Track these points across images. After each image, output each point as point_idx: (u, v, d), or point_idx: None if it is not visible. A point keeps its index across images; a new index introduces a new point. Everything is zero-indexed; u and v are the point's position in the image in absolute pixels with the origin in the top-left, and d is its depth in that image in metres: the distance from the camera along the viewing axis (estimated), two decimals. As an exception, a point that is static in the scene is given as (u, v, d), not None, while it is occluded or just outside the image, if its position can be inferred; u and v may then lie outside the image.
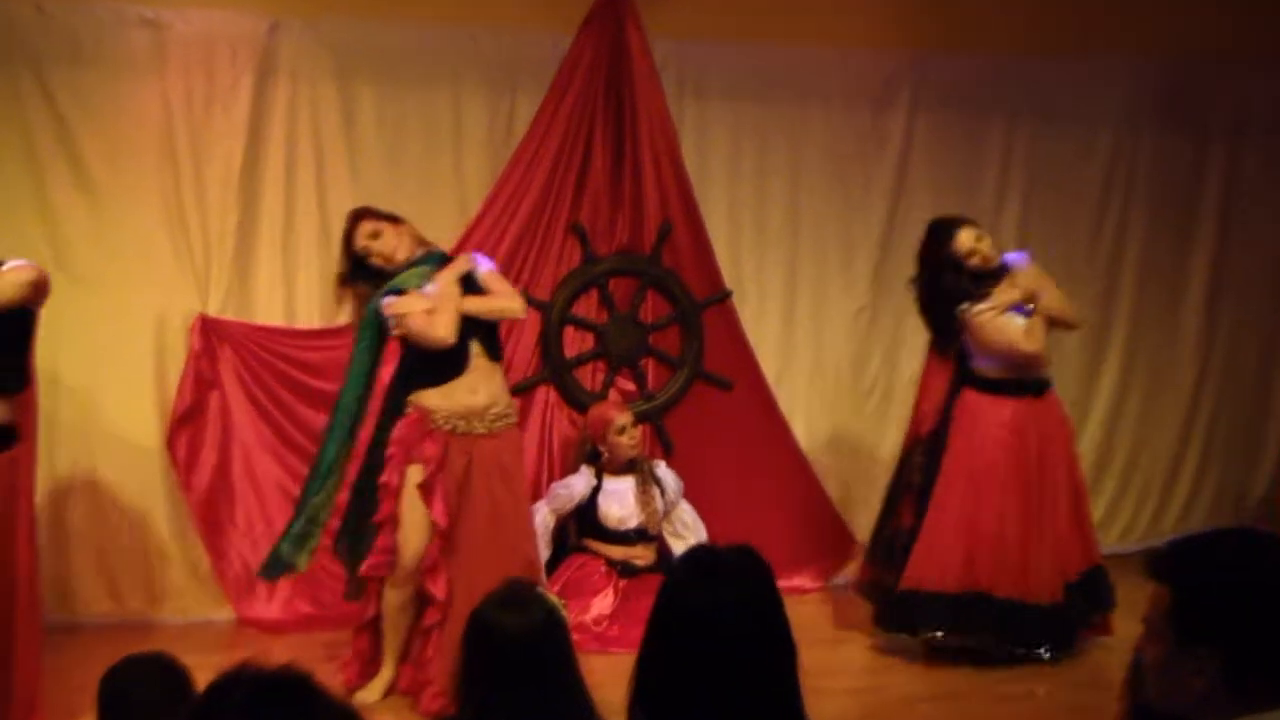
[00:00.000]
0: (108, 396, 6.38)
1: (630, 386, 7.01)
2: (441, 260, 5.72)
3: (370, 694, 5.54)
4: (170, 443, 6.38)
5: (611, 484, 6.62)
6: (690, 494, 6.80)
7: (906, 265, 7.38)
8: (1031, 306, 6.11)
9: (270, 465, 6.59)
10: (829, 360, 7.50)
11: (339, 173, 6.65)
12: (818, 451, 7.40)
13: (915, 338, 7.42)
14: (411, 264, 5.67)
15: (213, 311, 6.45)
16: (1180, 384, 8.11)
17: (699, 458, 6.99)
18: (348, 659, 5.73)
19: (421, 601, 5.54)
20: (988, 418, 6.12)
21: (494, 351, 5.69)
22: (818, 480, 7.33)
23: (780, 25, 7.11)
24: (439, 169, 6.78)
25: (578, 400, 6.91)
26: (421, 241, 5.81)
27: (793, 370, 7.43)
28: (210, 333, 6.42)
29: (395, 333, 5.50)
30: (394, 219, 5.82)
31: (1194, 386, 8.11)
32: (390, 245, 5.69)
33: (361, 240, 5.72)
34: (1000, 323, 6.05)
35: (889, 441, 7.49)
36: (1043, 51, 7.49)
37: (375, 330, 5.62)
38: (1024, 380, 6.17)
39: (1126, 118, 7.77)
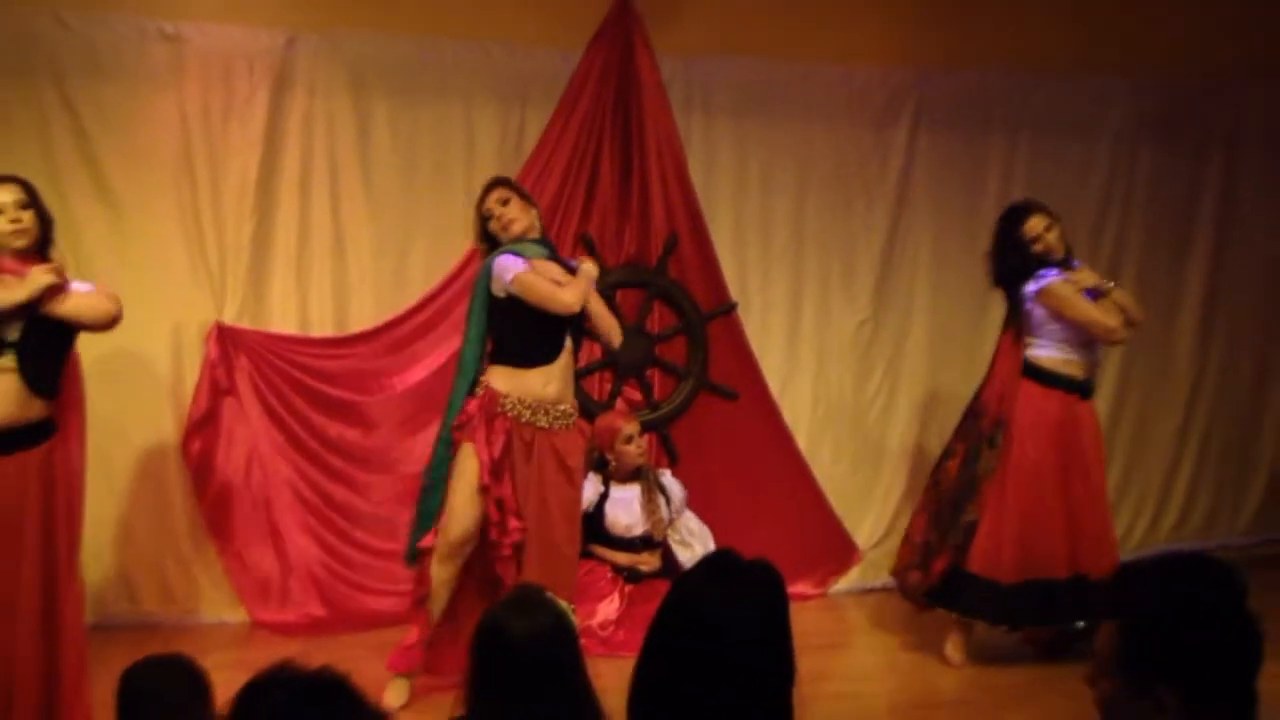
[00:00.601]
0: (126, 402, 6.37)
1: (637, 396, 7.02)
2: (552, 250, 5.69)
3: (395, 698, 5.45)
4: (185, 447, 6.40)
5: (618, 492, 6.63)
6: (695, 502, 6.81)
7: (909, 279, 7.45)
8: (1105, 290, 6.12)
9: (284, 469, 6.59)
10: (832, 372, 7.49)
11: (353, 184, 6.66)
12: (820, 461, 7.40)
13: (916, 350, 7.51)
14: (526, 239, 5.57)
15: (228, 320, 6.46)
16: (1175, 397, 8.10)
17: (704, 467, 7.01)
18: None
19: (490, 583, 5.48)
20: (1042, 410, 6.13)
21: (577, 353, 5.70)
22: (820, 489, 7.33)
23: (785, 42, 7.12)
24: (451, 181, 6.78)
25: (585, 409, 6.90)
26: (541, 230, 5.73)
27: (796, 381, 7.42)
28: (226, 340, 6.44)
29: (512, 288, 5.39)
30: (527, 197, 5.74)
31: (1188, 399, 8.10)
32: (512, 214, 5.57)
33: (490, 203, 5.64)
34: (1081, 299, 6.06)
35: (890, 452, 7.52)
36: (1042, 70, 7.49)
37: (486, 288, 5.54)
38: (1074, 379, 6.18)
39: (1124, 134, 7.77)
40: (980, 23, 7.31)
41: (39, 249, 4.89)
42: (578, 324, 5.57)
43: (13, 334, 4.70)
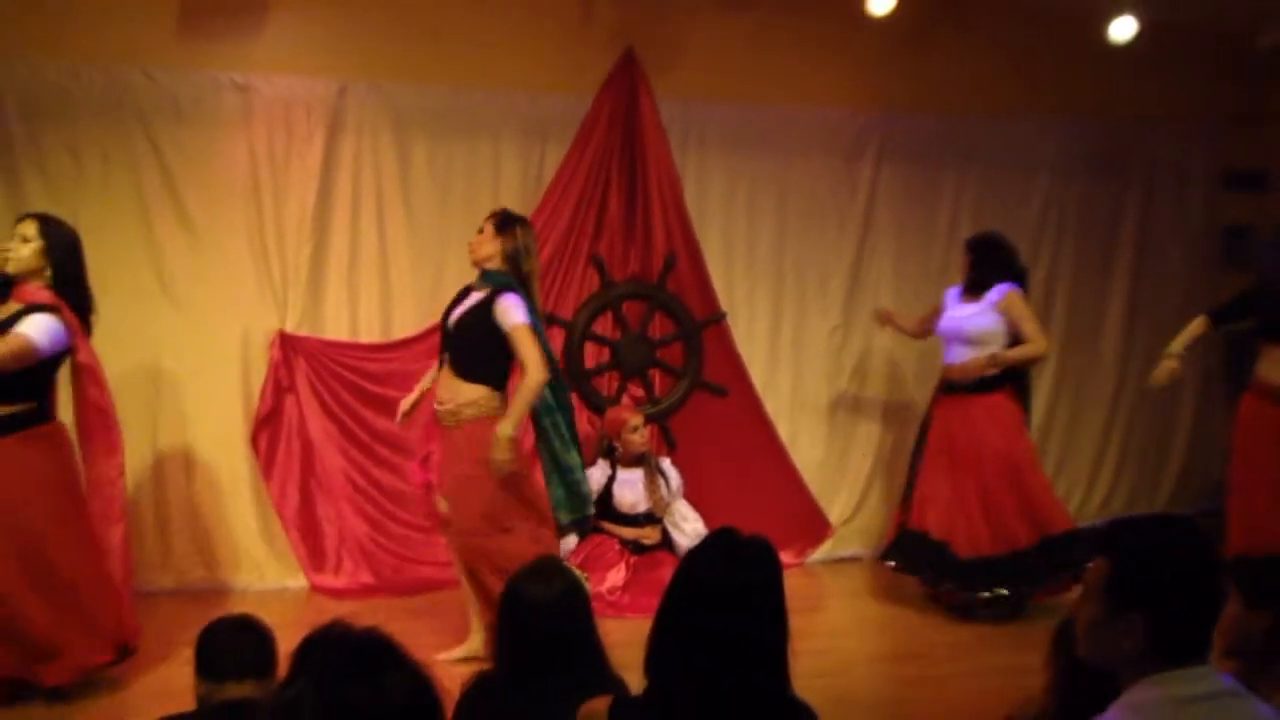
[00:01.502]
0: (202, 399, 6.41)
1: (640, 393, 7.02)
2: (500, 285, 5.24)
3: (453, 653, 5.32)
4: (254, 440, 6.42)
5: (624, 474, 6.66)
6: (689, 484, 6.82)
7: (874, 291, 7.47)
8: None
9: (337, 458, 6.61)
10: (808, 371, 7.50)
11: (396, 212, 6.67)
12: (798, 448, 7.41)
13: (880, 353, 7.53)
14: (487, 268, 5.33)
15: (290, 328, 6.48)
16: (1101, 397, 8.12)
17: (698, 453, 7.02)
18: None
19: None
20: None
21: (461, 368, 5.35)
22: (798, 472, 7.34)
23: (768, 89, 7.14)
24: (480, 209, 6.66)
25: (596, 404, 6.94)
26: (510, 260, 5.32)
27: (777, 380, 7.44)
28: (288, 346, 6.46)
29: (510, 331, 5.18)
30: (505, 229, 5.35)
31: (1113, 399, 8.11)
32: (475, 242, 5.38)
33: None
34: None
35: (858, 441, 7.55)
36: (988, 113, 7.51)
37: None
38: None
39: (1058, 169, 7.78)
40: (935, 72, 7.32)
41: (51, 283, 4.94)
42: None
43: None
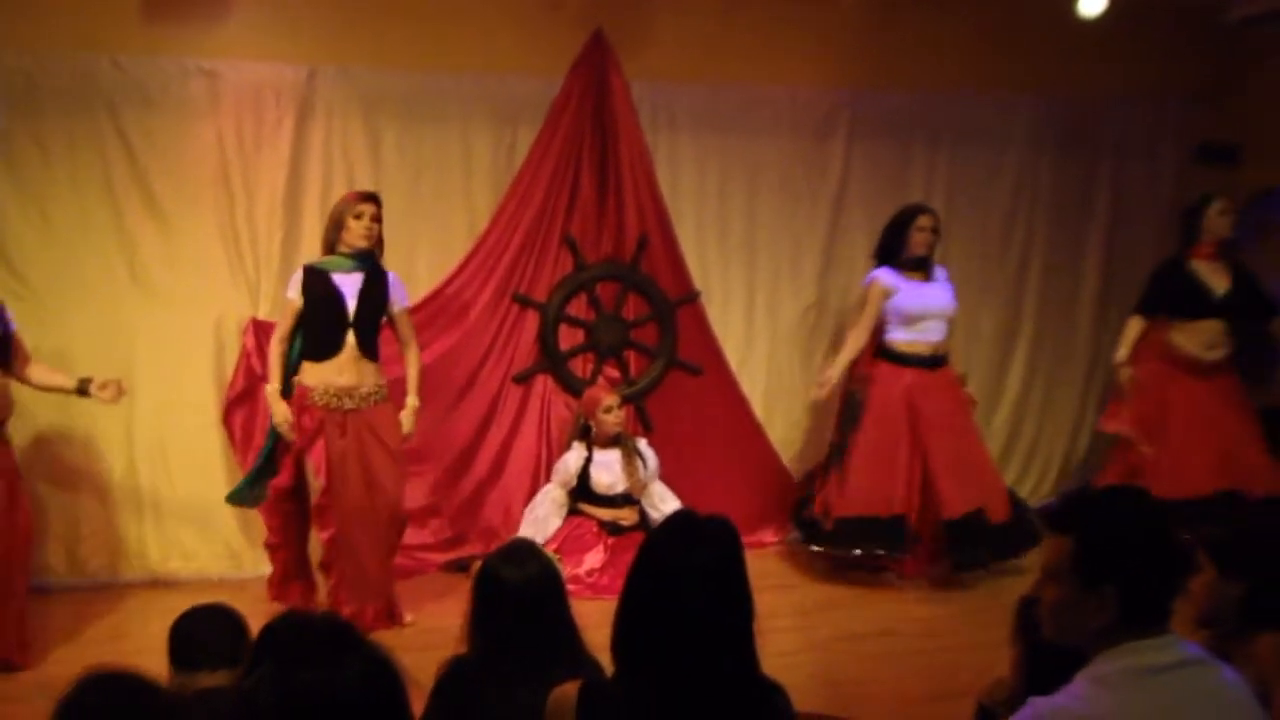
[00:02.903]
0: (176, 387, 6.39)
1: (615, 374, 7.04)
2: (364, 262, 5.66)
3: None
4: (226, 422, 6.39)
5: (600, 456, 6.66)
6: (666, 464, 6.82)
7: (847, 270, 7.47)
8: None
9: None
10: (782, 349, 7.51)
11: (367, 197, 6.67)
12: (774, 427, 7.44)
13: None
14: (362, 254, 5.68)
15: (262, 315, 6.43)
16: (1076, 369, 8.13)
17: (675, 433, 7.04)
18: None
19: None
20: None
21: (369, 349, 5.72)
22: (774, 450, 7.38)
23: (738, 68, 7.13)
24: (452, 193, 6.79)
25: (571, 386, 6.95)
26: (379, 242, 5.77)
27: (752, 358, 7.45)
28: (260, 333, 6.38)
29: (400, 311, 5.89)
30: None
31: (1087, 371, 8.12)
32: (376, 228, 5.74)
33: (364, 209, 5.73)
34: None
35: (833, 418, 7.56)
36: (958, 90, 7.51)
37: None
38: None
39: (1029, 144, 7.79)
40: (906, 49, 7.32)
41: None
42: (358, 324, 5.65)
43: None
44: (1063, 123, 7.81)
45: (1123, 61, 7.55)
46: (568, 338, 7.01)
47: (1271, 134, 7.61)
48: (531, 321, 6.89)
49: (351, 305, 5.60)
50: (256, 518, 6.40)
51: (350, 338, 5.61)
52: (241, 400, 6.39)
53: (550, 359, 6.92)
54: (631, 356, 7.11)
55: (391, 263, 6.13)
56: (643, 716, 2.44)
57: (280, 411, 5.61)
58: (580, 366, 7.05)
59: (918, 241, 6.61)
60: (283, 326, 5.75)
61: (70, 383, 5.36)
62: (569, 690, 2.52)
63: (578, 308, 7.00)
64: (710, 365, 7.19)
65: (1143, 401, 6.76)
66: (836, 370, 6.65)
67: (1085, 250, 8.06)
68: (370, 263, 5.68)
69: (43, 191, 6.07)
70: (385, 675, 1.92)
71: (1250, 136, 7.83)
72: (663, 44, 6.97)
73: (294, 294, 5.69)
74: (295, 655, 1.88)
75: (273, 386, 5.66)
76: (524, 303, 6.86)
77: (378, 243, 5.72)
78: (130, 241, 6.28)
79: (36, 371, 5.42)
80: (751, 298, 7.44)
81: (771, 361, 7.50)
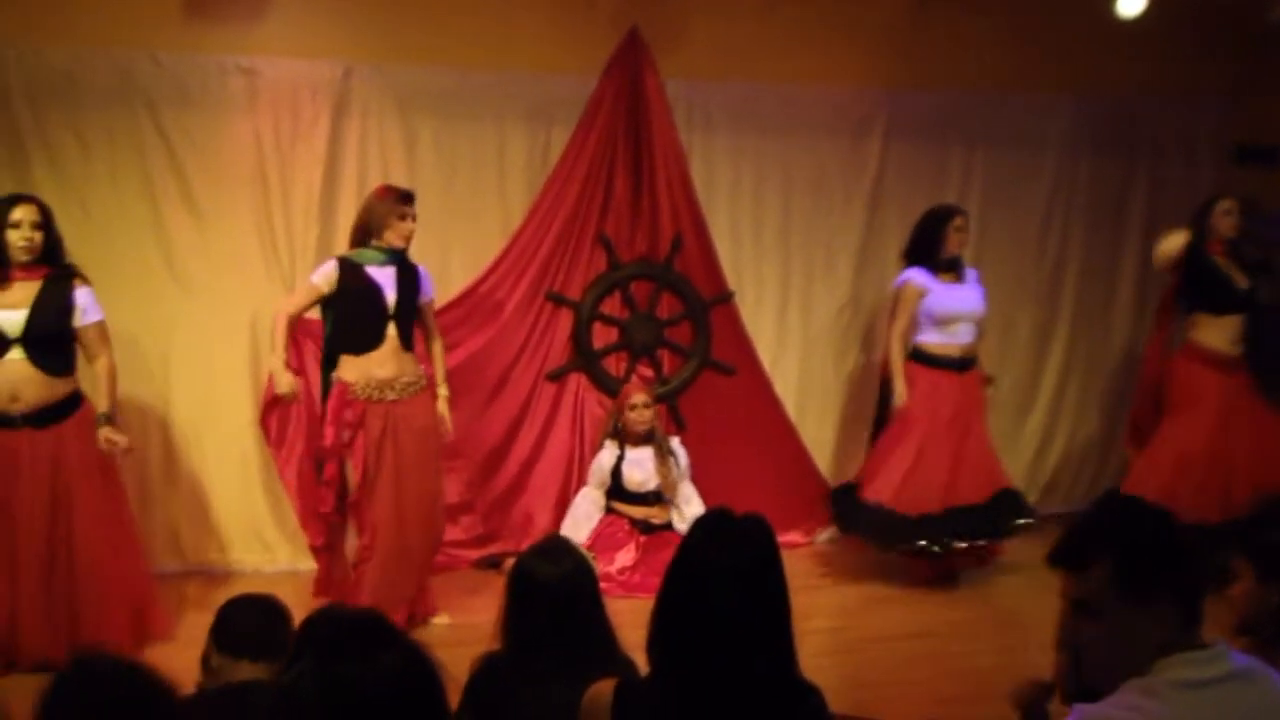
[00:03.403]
0: (212, 381, 6.43)
1: (649, 373, 7.04)
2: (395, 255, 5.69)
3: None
4: (263, 421, 6.39)
5: (632, 454, 6.66)
6: (698, 463, 6.82)
7: (881, 270, 7.45)
8: None
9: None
10: (816, 350, 7.50)
11: (402, 194, 6.69)
12: (806, 427, 7.42)
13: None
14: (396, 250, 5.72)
15: (297, 312, 6.49)
16: (1112, 371, 8.09)
17: (707, 433, 7.03)
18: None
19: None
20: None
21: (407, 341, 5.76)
22: (807, 451, 7.35)
23: (774, 68, 7.12)
24: (486, 191, 6.79)
25: (605, 385, 6.95)
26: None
27: (785, 358, 7.44)
28: (296, 329, 6.45)
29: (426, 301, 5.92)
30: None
31: (1124, 373, 8.06)
32: (411, 229, 5.76)
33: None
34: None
35: (866, 419, 7.52)
36: (995, 90, 7.47)
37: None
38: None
39: (1067, 145, 7.75)
40: (943, 49, 7.28)
41: (46, 261, 5.12)
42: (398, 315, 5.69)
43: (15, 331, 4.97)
44: (1099, 124, 7.76)
45: (1159, 62, 7.50)
46: (601, 336, 7.02)
47: (1309, 135, 7.55)
48: (565, 320, 6.90)
49: (391, 297, 5.62)
50: (288, 511, 6.45)
51: (391, 329, 5.63)
52: (278, 399, 6.40)
53: (584, 357, 6.93)
54: (665, 355, 7.11)
55: (426, 260, 6.15)
56: (678, 716, 2.44)
57: (286, 381, 5.55)
58: (614, 365, 7.05)
59: (954, 242, 6.58)
60: (296, 304, 5.68)
61: (103, 405, 5.26)
62: (604, 689, 2.52)
63: (612, 306, 7.00)
64: (743, 365, 7.18)
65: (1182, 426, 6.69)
66: (899, 381, 6.56)
67: (1122, 252, 8.00)
68: (400, 255, 5.72)
69: (82, 185, 6.11)
70: (423, 670, 1.93)
71: (1289, 137, 7.78)
72: (698, 43, 6.96)
73: (320, 280, 5.64)
74: (334, 649, 1.89)
75: (280, 357, 5.58)
76: (558, 301, 6.87)
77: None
78: (167, 237, 6.32)
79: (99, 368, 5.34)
80: (785, 298, 7.43)
81: (804, 362, 7.49)
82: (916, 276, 6.60)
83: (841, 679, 5.09)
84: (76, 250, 5.33)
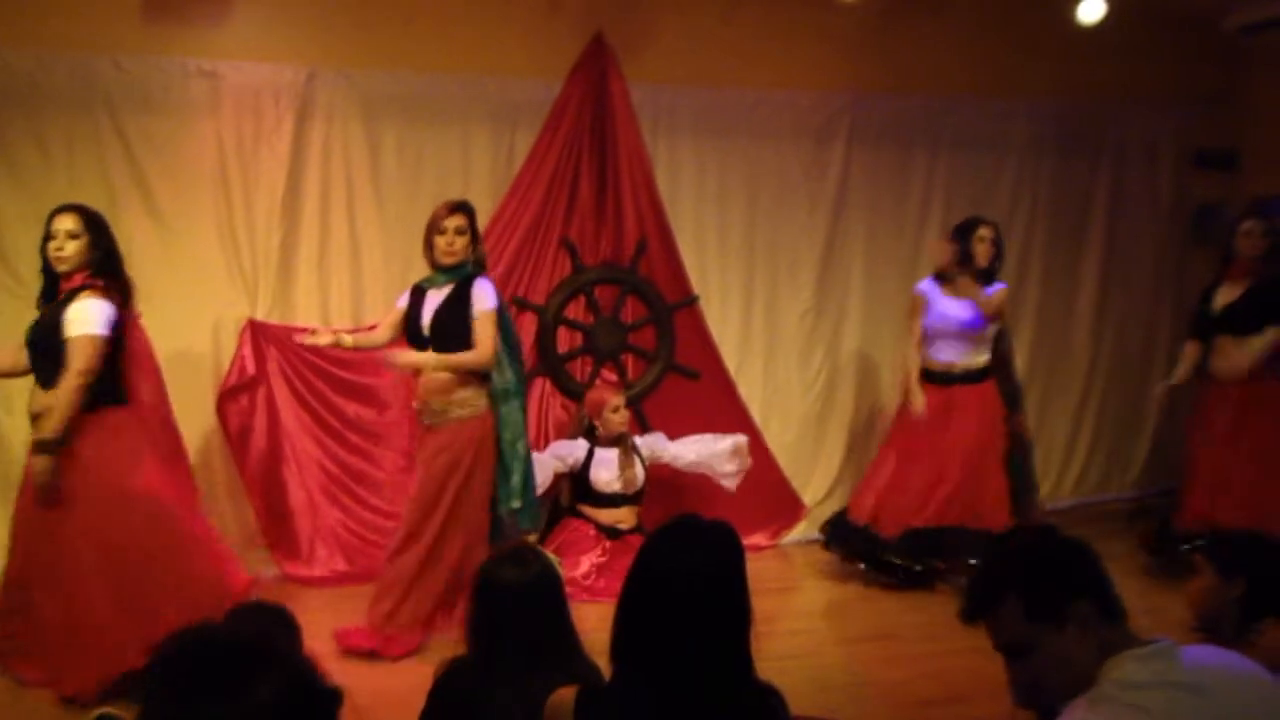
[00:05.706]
0: (174, 388, 6.32)
1: (613, 377, 7.06)
2: (475, 275, 5.54)
3: None
4: (220, 411, 6.36)
5: (601, 453, 6.67)
6: (662, 466, 6.85)
7: (845, 275, 7.49)
8: None
9: (310, 446, 6.58)
10: (780, 354, 7.53)
11: (366, 199, 6.66)
12: (771, 431, 7.45)
13: (852, 336, 7.57)
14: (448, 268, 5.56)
15: (260, 316, 6.47)
16: (1076, 369, 8.18)
17: (672, 436, 7.00)
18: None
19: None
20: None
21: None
22: (771, 454, 7.38)
23: (737, 73, 7.16)
24: (450, 195, 6.62)
25: (569, 389, 6.96)
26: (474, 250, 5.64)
27: (750, 362, 7.47)
28: (258, 334, 6.44)
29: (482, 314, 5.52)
30: (472, 219, 5.64)
31: (1088, 370, 8.17)
32: (455, 247, 5.55)
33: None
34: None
35: (830, 423, 7.59)
36: (956, 94, 7.54)
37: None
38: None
39: (1029, 147, 7.83)
40: (906, 54, 7.35)
41: (92, 273, 4.91)
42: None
43: None
44: (1062, 128, 7.85)
45: (1122, 67, 7.59)
46: (566, 340, 7.02)
47: (1269, 140, 7.64)
48: (529, 324, 6.89)
49: (425, 320, 5.51)
50: (253, 519, 6.40)
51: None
52: (235, 394, 6.39)
53: (548, 362, 6.92)
54: (629, 360, 7.12)
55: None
56: None
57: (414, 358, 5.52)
58: (578, 369, 7.05)
59: (980, 253, 6.52)
60: (381, 328, 5.82)
61: (45, 432, 4.85)
62: (566, 695, 2.53)
63: (576, 311, 7.01)
64: (708, 369, 7.20)
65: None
66: (916, 395, 6.52)
67: (1084, 255, 8.10)
68: (461, 274, 5.53)
69: (42, 190, 6.03)
70: (302, 695, 1.70)
71: (1247, 142, 7.87)
72: (663, 47, 6.99)
73: (402, 303, 5.70)
74: (194, 685, 1.66)
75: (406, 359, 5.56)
76: (522, 305, 6.86)
77: (468, 253, 5.56)
78: (128, 242, 6.07)
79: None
80: (749, 301, 7.46)
81: (769, 365, 7.52)
82: (922, 286, 6.60)
83: (804, 682, 5.07)
84: (35, 255, 5.22)
